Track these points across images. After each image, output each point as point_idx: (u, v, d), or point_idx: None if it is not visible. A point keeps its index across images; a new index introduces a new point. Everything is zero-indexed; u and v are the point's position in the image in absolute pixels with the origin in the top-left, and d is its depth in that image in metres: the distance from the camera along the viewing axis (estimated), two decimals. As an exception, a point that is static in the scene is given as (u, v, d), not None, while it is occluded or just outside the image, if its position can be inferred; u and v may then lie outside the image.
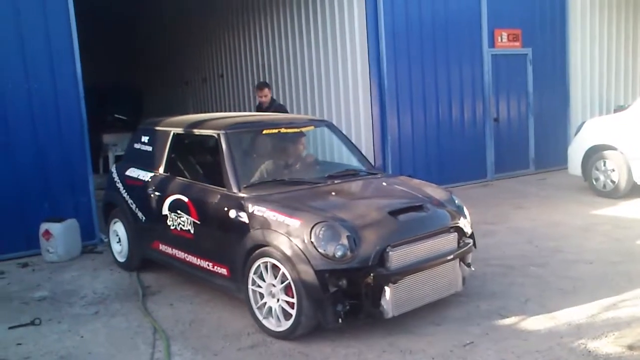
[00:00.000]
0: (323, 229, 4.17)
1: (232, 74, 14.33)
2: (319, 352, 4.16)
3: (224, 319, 4.79)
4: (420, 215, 4.60)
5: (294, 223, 4.25)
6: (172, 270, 5.76)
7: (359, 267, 4.14)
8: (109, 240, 6.55)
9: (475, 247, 4.99)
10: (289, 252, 4.20)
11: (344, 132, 9.61)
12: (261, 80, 11.97)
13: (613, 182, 8.69)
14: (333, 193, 4.86)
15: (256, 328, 4.54)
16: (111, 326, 4.80)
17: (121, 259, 6.33)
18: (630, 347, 4.00)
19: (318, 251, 4.11)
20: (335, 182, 5.14)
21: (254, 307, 4.53)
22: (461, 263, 4.78)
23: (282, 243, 4.25)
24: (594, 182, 8.96)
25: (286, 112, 8.17)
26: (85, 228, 6.97)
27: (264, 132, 5.49)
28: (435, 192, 5.13)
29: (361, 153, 6.13)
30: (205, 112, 14.15)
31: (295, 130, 5.78)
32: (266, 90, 7.99)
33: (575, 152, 9.23)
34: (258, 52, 12.84)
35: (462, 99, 10.31)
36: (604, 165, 8.78)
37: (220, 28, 14.61)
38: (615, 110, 11.09)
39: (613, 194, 8.69)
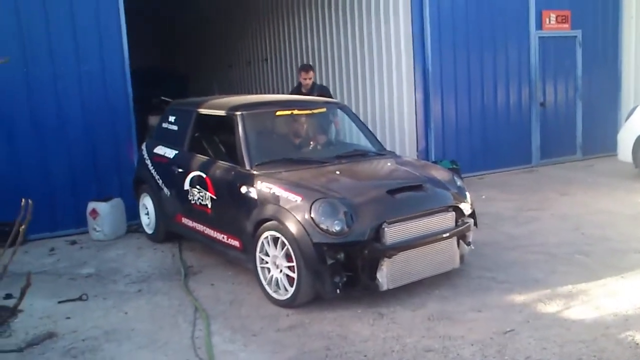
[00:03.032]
0: (322, 204, 4.46)
1: (276, 58, 14.35)
2: (358, 335, 4.16)
3: (263, 299, 4.83)
4: (418, 194, 4.86)
5: (296, 199, 4.57)
6: (213, 251, 5.85)
7: (356, 242, 4.41)
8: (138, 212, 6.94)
9: (476, 226, 5.22)
10: (291, 226, 4.48)
11: (386, 117, 9.59)
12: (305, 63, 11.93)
13: (665, 169, 8.40)
14: (338, 172, 5.14)
15: (294, 310, 4.59)
16: (154, 304, 4.91)
17: (149, 231, 6.79)
18: (680, 340, 3.88)
19: (317, 225, 4.40)
20: (343, 161, 5.44)
21: (264, 282, 4.83)
22: (460, 242, 4.98)
23: (286, 217, 4.54)
24: (645, 169, 8.69)
25: (329, 94, 8.16)
26: (131, 208, 7.12)
27: (278, 113, 5.86)
28: (438, 173, 5.38)
29: (373, 135, 6.37)
30: (248, 94, 14.22)
31: (308, 111, 6.12)
32: (311, 73, 8.04)
33: (626, 137, 8.94)
34: (302, 37, 12.79)
35: (508, 83, 10.08)
36: (656, 151, 8.49)
37: (265, 12, 14.61)
38: (669, 95, 10.71)
39: (665, 181, 8.41)
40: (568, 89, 10.77)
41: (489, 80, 9.90)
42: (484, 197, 8.02)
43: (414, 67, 9.30)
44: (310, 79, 7.98)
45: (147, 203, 6.73)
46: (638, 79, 11.41)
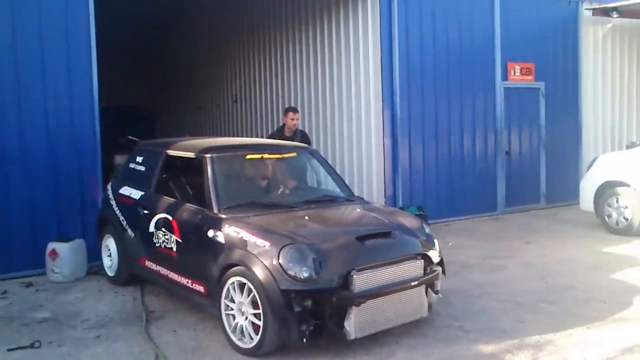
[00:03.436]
0: (291, 250, 4.39)
1: (246, 100, 14.41)
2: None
3: (227, 347, 4.69)
4: (387, 241, 4.82)
5: (265, 244, 4.50)
6: (177, 296, 5.70)
7: (324, 289, 4.35)
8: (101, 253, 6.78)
9: (444, 274, 5.19)
10: (258, 272, 4.40)
11: (354, 162, 9.63)
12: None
13: (626, 219, 8.57)
14: (307, 217, 5.08)
15: (259, 359, 4.47)
16: (112, 351, 4.72)
17: (111, 273, 6.61)
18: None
19: (285, 272, 4.32)
20: (312, 207, 5.39)
21: (228, 329, 4.70)
22: (429, 290, 4.93)
23: (253, 263, 4.46)
24: (606, 219, 8.84)
25: (309, 139, 8.27)
26: (93, 249, 6.92)
27: (248, 156, 5.83)
28: (407, 220, 5.36)
29: (342, 180, 6.41)
30: (217, 136, 14.21)
31: (278, 155, 6.12)
32: (298, 115, 8.15)
33: (588, 187, 9.13)
34: (272, 80, 12.93)
35: (474, 132, 10.28)
36: (617, 201, 8.67)
37: (236, 55, 14.74)
38: (628, 147, 11.02)
39: (626, 231, 8.56)
40: (532, 139, 11.03)
41: (456, 127, 10.07)
42: (450, 244, 8.04)
43: (383, 113, 9.43)
44: (297, 120, 8.05)
45: (110, 244, 6.57)
46: (597, 130, 11.82)
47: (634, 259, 7.33)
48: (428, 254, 4.98)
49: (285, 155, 6.24)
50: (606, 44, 11.77)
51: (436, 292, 5.05)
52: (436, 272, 4.99)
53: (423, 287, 4.85)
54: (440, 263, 5.15)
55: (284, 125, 8.09)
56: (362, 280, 4.43)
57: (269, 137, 8.28)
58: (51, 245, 6.73)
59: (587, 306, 5.58)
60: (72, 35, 7.16)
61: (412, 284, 4.73)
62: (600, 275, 6.62)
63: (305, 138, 8.21)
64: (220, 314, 4.75)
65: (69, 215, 7.21)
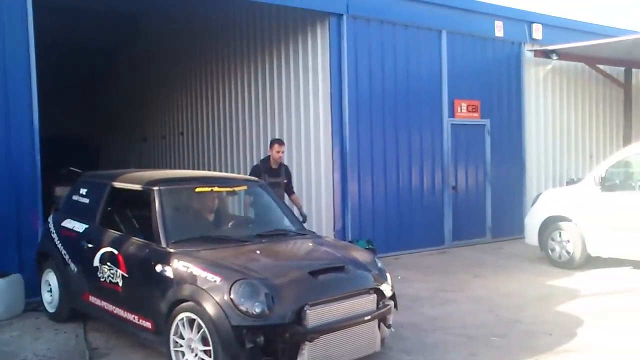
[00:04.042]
0: (242, 285, 4.31)
1: (193, 132, 14.27)
2: None
3: (175, 386, 4.51)
4: (340, 276, 4.77)
5: (215, 279, 4.39)
6: (121, 332, 5.48)
7: (277, 324, 4.27)
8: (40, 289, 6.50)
9: (396, 308, 5.14)
10: (208, 307, 4.29)
11: (304, 195, 9.63)
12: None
13: (568, 252, 8.81)
14: (258, 251, 5.01)
15: (209, 397, 4.30)
16: (52, 392, 4.47)
17: (51, 310, 6.33)
18: None
19: (237, 307, 4.23)
20: (263, 241, 5.32)
21: None
22: (381, 324, 4.90)
23: (203, 298, 4.34)
24: (550, 253, 9.07)
25: (290, 175, 8.22)
26: (30, 284, 6.60)
27: (197, 189, 5.73)
28: (359, 254, 5.32)
29: (293, 214, 6.38)
30: (164, 168, 13.95)
31: (228, 189, 6.08)
32: (284, 147, 8.03)
33: (532, 222, 9.38)
34: (220, 112, 12.87)
35: (422, 167, 10.44)
36: (560, 236, 8.92)
37: (182, 87, 14.63)
38: (568, 183, 11.43)
39: (568, 264, 8.79)
40: (478, 174, 11.28)
41: (404, 162, 10.20)
42: (399, 277, 8.04)
43: (332, 148, 9.50)
44: (283, 152, 7.92)
45: (50, 279, 6.29)
46: (540, 166, 12.20)
47: (576, 291, 7.51)
48: (380, 288, 4.94)
49: (236, 189, 6.20)
50: (547, 83, 12.26)
51: (388, 326, 5.02)
52: (389, 307, 4.96)
53: (376, 321, 4.81)
54: (393, 297, 5.12)
55: (268, 157, 7.92)
56: (315, 315, 4.37)
57: (253, 169, 8.02)
58: (-15, 281, 6.39)
59: (535, 338, 5.66)
60: (10, 62, 6.89)
61: (365, 318, 4.68)
62: (545, 308, 6.74)
63: (288, 173, 8.14)
64: (169, 351, 4.59)
65: (5, 248, 6.85)
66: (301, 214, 7.90)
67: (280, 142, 8.04)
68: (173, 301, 4.57)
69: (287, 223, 6.02)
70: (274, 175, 7.78)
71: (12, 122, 6.93)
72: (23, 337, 5.82)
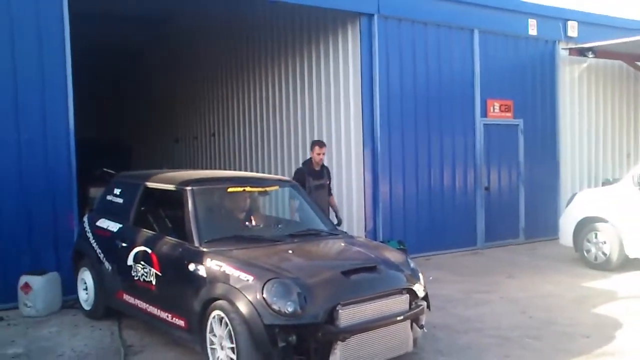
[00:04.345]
0: (275, 285, 4.31)
1: (225, 133, 14.38)
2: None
3: (208, 383, 4.55)
4: (373, 276, 4.75)
5: (248, 278, 4.41)
6: (155, 330, 5.54)
7: (309, 324, 4.26)
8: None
9: (429, 309, 5.10)
10: (241, 306, 4.30)
11: (335, 196, 9.65)
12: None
13: (605, 254, 8.63)
14: (290, 251, 5.01)
15: (243, 394, 4.32)
16: (89, 388, 4.55)
17: (87, 307, 6.43)
18: None
19: (269, 306, 4.24)
20: (295, 240, 5.34)
21: None
22: (414, 324, 4.86)
23: (236, 297, 4.36)
24: (585, 254, 8.90)
25: (330, 178, 8.05)
26: (68, 282, 6.73)
27: (229, 189, 5.74)
28: (392, 254, 5.29)
29: (325, 214, 6.35)
30: (195, 169, 14.09)
31: (260, 189, 6.11)
32: (324, 149, 7.87)
33: (567, 223, 9.22)
34: (252, 113, 12.95)
35: (454, 167, 10.34)
36: (596, 237, 8.75)
37: (214, 88, 14.77)
38: (604, 183, 11.19)
39: (604, 266, 8.62)
40: (511, 175, 11.13)
41: (436, 162, 10.12)
42: (431, 278, 7.97)
43: (364, 149, 9.47)
44: (323, 154, 7.79)
45: (86, 277, 6.40)
46: (574, 166, 11.97)
47: (613, 293, 7.36)
48: (413, 288, 4.90)
49: (268, 189, 6.22)
50: (582, 82, 12.02)
51: (421, 327, 4.97)
52: (421, 307, 4.92)
53: (408, 321, 4.77)
54: (425, 297, 5.06)
55: (310, 159, 7.82)
56: (347, 315, 4.35)
57: (296, 172, 7.83)
58: (24, 279, 6.53)
59: (571, 341, 5.56)
60: (48, 68, 7.05)
61: (398, 318, 4.65)
62: (582, 310, 6.62)
63: (329, 174, 8.02)
64: (205, 349, 4.62)
65: (42, 248, 7.02)
66: (337, 217, 7.86)
67: (321, 143, 7.90)
68: (206, 300, 4.59)
69: (319, 223, 6.01)
70: (317, 178, 7.68)
71: (49, 127, 7.09)
72: (61, 333, 5.94)
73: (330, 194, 8.03)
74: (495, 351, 5.30)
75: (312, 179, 7.57)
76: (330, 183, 8.03)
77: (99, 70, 17.33)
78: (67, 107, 7.19)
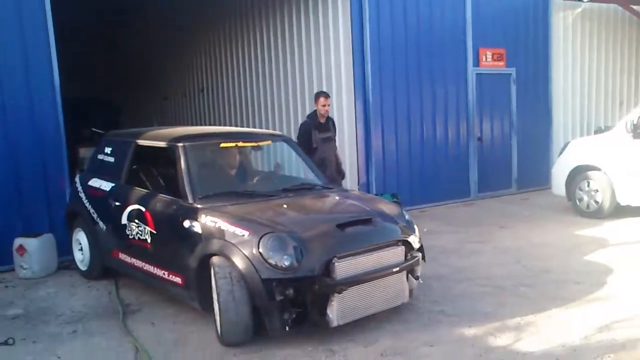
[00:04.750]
0: (271, 239, 4.33)
1: (213, 89, 14.20)
2: (309, 374, 4.00)
3: (208, 338, 4.59)
4: (368, 228, 4.78)
5: (244, 233, 4.41)
6: (153, 288, 5.57)
7: (305, 277, 4.30)
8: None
9: (424, 260, 5.16)
10: (237, 262, 4.31)
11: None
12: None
13: (597, 202, 8.69)
14: (285, 206, 5.00)
15: (242, 349, 4.38)
16: (90, 346, 4.59)
17: (83, 268, 6.44)
18: (629, 370, 3.92)
19: (266, 261, 4.26)
20: (289, 195, 5.32)
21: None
22: (409, 276, 4.92)
23: (232, 252, 4.36)
24: (578, 203, 8.96)
25: (335, 129, 7.76)
26: (62, 243, 6.72)
27: (222, 145, 5.69)
28: (386, 207, 5.31)
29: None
30: (186, 126, 13.97)
31: (253, 144, 6.05)
32: (329, 99, 7.55)
33: (559, 172, 9.24)
34: (239, 67, 12.74)
35: (447, 118, 10.29)
36: (588, 185, 8.79)
37: (201, 44, 14.49)
38: (596, 132, 11.18)
39: (597, 214, 8.69)
40: (504, 125, 11.10)
41: (428, 114, 10.07)
42: (425, 230, 8.00)
43: (355, 100, 9.37)
44: (328, 105, 7.50)
45: (80, 238, 6.39)
46: (567, 115, 11.95)
47: (605, 240, 7.44)
48: (408, 240, 4.93)
49: (261, 143, 6.16)
50: (576, 29, 11.89)
51: (417, 278, 5.03)
52: (416, 258, 4.96)
53: (404, 273, 4.82)
54: (420, 249, 5.11)
55: (315, 112, 7.53)
56: (343, 268, 4.38)
57: (302, 126, 7.54)
58: (18, 241, 6.52)
59: (564, 288, 5.63)
60: (27, 24, 6.85)
61: (394, 270, 4.68)
62: (574, 258, 6.69)
63: (334, 127, 7.74)
64: (213, 307, 4.55)
65: (35, 210, 6.98)
66: (340, 170, 7.76)
67: (325, 94, 7.56)
68: (202, 256, 4.59)
69: (312, 177, 5.99)
70: (323, 130, 7.43)
71: (34, 88, 6.94)
72: (59, 294, 5.96)
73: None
74: (490, 300, 5.36)
75: (318, 132, 7.36)
76: (335, 135, 7.78)
77: (84, 29, 16.93)
78: (51, 67, 7.03)
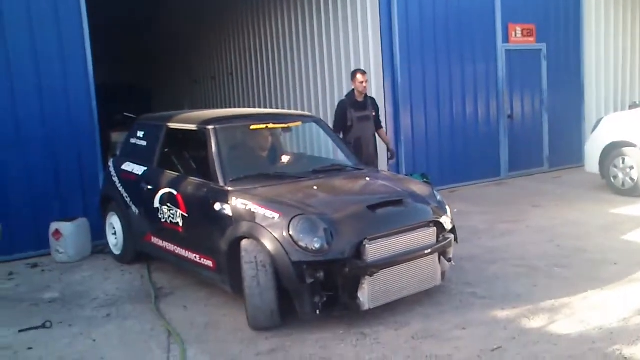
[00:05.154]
0: (301, 221, 4.29)
1: (242, 72, 14.21)
2: (342, 357, 4.00)
3: (240, 322, 4.62)
4: (399, 209, 4.70)
5: (274, 215, 4.37)
6: (185, 272, 5.62)
7: (336, 260, 4.24)
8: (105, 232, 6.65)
9: (456, 242, 5.07)
10: (268, 244, 4.28)
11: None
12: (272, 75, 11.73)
13: (632, 180, 8.48)
14: (315, 187, 4.96)
15: (274, 332, 4.40)
16: (124, 329, 4.66)
17: (116, 252, 6.48)
18: (668, 353, 3.83)
19: (296, 243, 4.22)
20: (320, 176, 5.27)
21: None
22: (441, 257, 4.84)
23: (262, 235, 4.33)
24: (612, 180, 8.76)
25: (378, 108, 7.67)
26: (96, 228, 6.82)
27: (252, 127, 5.68)
28: (418, 187, 5.25)
29: (349, 149, 6.22)
30: (216, 109, 14.02)
31: (283, 125, 6.02)
32: (366, 76, 7.46)
33: (593, 149, 9.03)
34: (269, 50, 12.70)
35: (476, 96, 10.12)
36: (623, 162, 8.57)
37: (230, 27, 14.50)
38: (630, 107, 10.91)
39: (632, 192, 8.48)
40: (534, 102, 10.88)
41: (457, 92, 9.91)
42: (456, 210, 7.89)
43: (384, 80, 9.25)
44: (366, 82, 7.40)
45: (114, 222, 6.45)
46: (600, 91, 11.66)
47: (641, 219, 7.27)
48: (440, 221, 4.85)
49: (291, 125, 6.11)
50: (609, 2, 11.53)
51: (449, 260, 4.96)
52: (449, 240, 4.88)
53: (436, 255, 4.75)
54: (453, 230, 5.02)
55: (353, 90, 7.43)
56: (374, 250, 4.33)
57: (339, 105, 7.46)
58: (54, 226, 6.63)
59: (600, 268, 5.52)
60: (63, 11, 6.94)
61: (425, 252, 4.62)
62: (610, 237, 6.55)
63: (375, 105, 7.59)
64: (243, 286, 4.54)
65: (70, 194, 7.09)
66: (389, 149, 7.70)
67: (362, 71, 7.45)
68: (233, 239, 4.57)
69: (343, 158, 5.92)
70: (360, 109, 7.32)
71: (69, 73, 7.04)
72: (93, 277, 6.07)
73: (380, 126, 7.73)
74: (523, 281, 5.29)
75: (354, 110, 7.26)
76: (377, 114, 7.64)
77: (117, 14, 17.03)
78: (85, 53, 7.11)
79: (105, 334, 4.59)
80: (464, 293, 5.04)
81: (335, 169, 5.56)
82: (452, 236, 4.97)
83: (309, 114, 6.71)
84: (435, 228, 4.78)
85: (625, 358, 3.79)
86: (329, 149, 6.22)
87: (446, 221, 4.94)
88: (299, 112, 6.72)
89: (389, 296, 4.49)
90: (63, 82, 7.01)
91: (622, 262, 5.64)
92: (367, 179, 5.44)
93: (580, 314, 4.50)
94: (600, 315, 4.45)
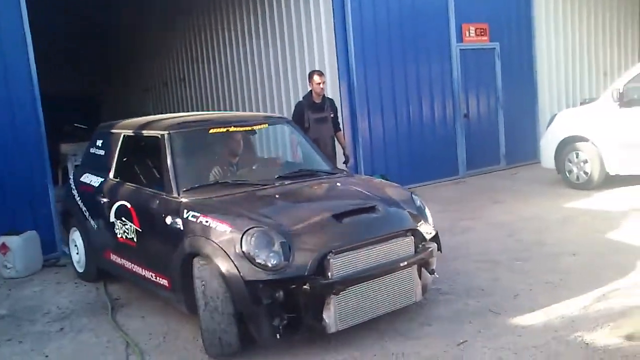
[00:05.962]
0: (255, 235, 3.84)
1: (194, 77, 14.00)
2: (306, 360, 3.89)
3: (199, 331, 4.45)
4: (370, 217, 4.22)
5: (226, 229, 3.93)
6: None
7: (296, 277, 3.77)
8: (69, 250, 6.28)
9: (440, 251, 4.61)
10: (220, 263, 3.84)
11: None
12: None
13: (586, 173, 8.64)
14: (277, 196, 4.54)
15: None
16: (79, 342, 4.47)
17: (80, 269, 6.09)
18: (629, 337, 3.86)
19: (251, 260, 3.78)
20: (285, 183, 4.83)
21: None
22: (422, 270, 4.39)
23: (214, 252, 3.90)
24: (567, 175, 8.91)
25: (336, 108, 7.59)
26: (46, 241, 6.57)
27: (211, 131, 5.13)
28: (394, 192, 4.79)
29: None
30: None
31: (247, 128, 5.51)
32: (324, 77, 7.34)
33: (548, 144, 9.18)
34: (221, 54, 12.55)
35: (432, 96, 10.19)
36: (577, 157, 8.73)
37: (181, 32, 14.26)
38: (582, 103, 11.11)
39: (586, 185, 8.64)
40: (489, 100, 11.02)
41: (413, 92, 9.96)
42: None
43: (339, 82, 9.24)
44: (324, 83, 7.27)
45: (76, 238, 6.04)
46: (552, 88, 11.89)
47: (596, 211, 7.40)
48: (419, 229, 4.38)
49: (256, 127, 5.66)
50: (558, 2, 11.76)
51: (432, 272, 4.47)
52: (430, 250, 4.36)
53: (415, 267, 4.26)
54: (435, 238, 4.52)
55: (310, 92, 7.32)
56: (340, 264, 3.85)
57: (296, 106, 7.38)
58: (1, 239, 6.34)
59: (559, 260, 5.58)
60: (4, 21, 6.65)
61: (401, 264, 4.12)
62: (567, 230, 6.65)
63: (334, 106, 7.48)
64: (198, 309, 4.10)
65: (18, 207, 6.76)
66: (344, 154, 7.54)
67: (319, 73, 7.32)
68: (184, 256, 4.14)
69: (313, 162, 5.52)
70: (317, 110, 7.21)
71: (11, 82, 6.72)
72: (44, 292, 5.81)
73: (338, 128, 7.57)
74: (485, 275, 5.30)
75: (312, 112, 7.14)
76: (336, 116, 7.50)
77: (63, 23, 16.63)
78: (28, 62, 6.80)
79: (58, 348, 4.38)
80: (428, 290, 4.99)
81: (303, 175, 5.11)
82: (434, 245, 4.46)
83: (278, 115, 6.43)
84: (412, 237, 4.28)
85: (587, 344, 3.82)
86: (302, 152, 5.86)
87: (427, 229, 4.48)
88: (266, 114, 6.48)
89: (360, 316, 4.01)
90: (5, 94, 6.69)
91: (580, 253, 5.71)
92: (337, 184, 5.00)
93: (543, 304, 4.51)
94: (561, 304, 4.47)
